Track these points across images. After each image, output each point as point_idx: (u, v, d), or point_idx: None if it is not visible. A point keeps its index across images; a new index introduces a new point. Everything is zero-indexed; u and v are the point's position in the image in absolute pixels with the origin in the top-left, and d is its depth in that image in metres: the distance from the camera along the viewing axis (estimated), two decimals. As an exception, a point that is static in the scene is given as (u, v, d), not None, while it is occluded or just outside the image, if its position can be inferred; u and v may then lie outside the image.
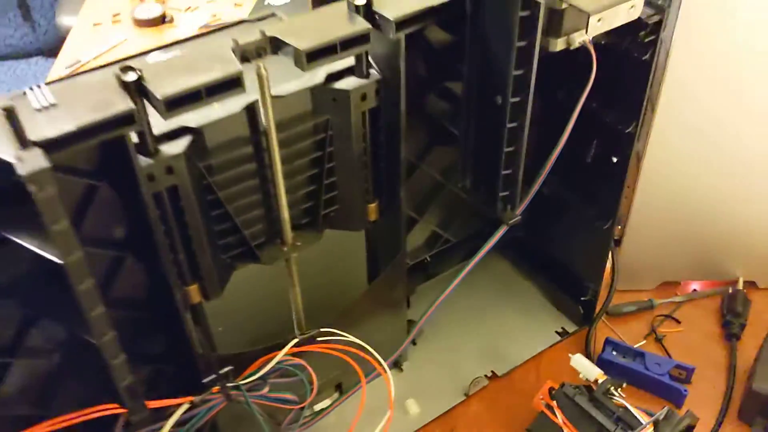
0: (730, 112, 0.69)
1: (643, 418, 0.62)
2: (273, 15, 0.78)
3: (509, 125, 0.55)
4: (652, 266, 0.83)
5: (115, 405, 0.49)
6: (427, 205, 0.75)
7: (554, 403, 0.66)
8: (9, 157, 0.36)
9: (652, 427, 0.61)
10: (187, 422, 0.59)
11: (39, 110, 0.42)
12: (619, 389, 0.66)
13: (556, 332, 0.80)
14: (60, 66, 1.24)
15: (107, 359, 0.46)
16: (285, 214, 0.58)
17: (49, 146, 0.40)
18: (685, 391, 0.72)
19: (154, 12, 1.32)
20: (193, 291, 0.58)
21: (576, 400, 0.64)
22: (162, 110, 0.45)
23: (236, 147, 0.54)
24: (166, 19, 1.33)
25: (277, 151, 0.54)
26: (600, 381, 0.67)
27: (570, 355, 0.72)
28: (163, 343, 0.59)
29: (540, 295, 0.83)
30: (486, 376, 0.76)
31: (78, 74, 0.65)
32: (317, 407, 0.71)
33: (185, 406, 0.58)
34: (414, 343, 0.79)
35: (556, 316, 0.81)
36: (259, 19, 0.76)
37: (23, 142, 0.38)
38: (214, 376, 0.59)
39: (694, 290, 0.84)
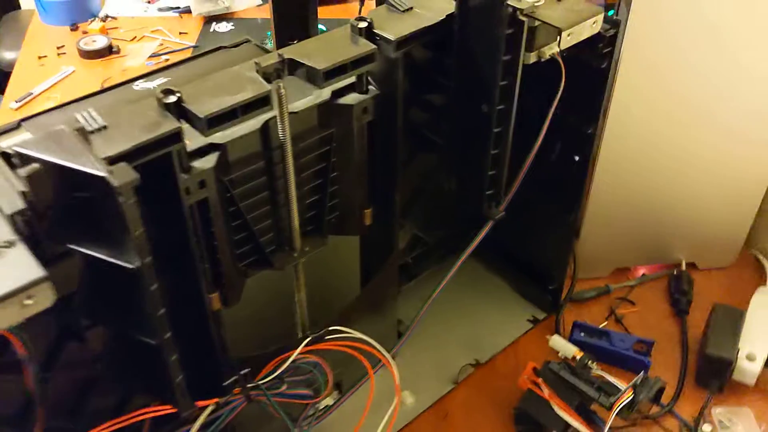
0: (671, 114, 0.79)
1: (622, 385, 0.70)
2: (248, 41, 0.83)
3: (495, 130, 0.62)
4: (606, 255, 0.92)
5: (168, 406, 0.53)
6: (409, 210, 0.81)
7: (539, 380, 0.73)
8: (101, 172, 0.40)
9: (632, 391, 0.68)
10: (210, 425, 0.63)
11: (92, 132, 0.46)
12: (594, 363, 0.74)
13: (528, 320, 0.87)
14: (9, 100, 1.24)
15: (166, 357, 0.49)
16: (295, 222, 0.63)
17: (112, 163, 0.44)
18: (649, 362, 0.80)
19: (100, 44, 1.34)
20: (215, 299, 0.61)
21: (561, 374, 0.71)
22: (203, 128, 0.49)
23: (253, 161, 0.59)
24: (113, 50, 1.35)
25: (291, 163, 0.59)
26: (578, 357, 0.74)
27: (548, 337, 0.80)
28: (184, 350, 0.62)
29: (510, 289, 0.91)
30: (471, 364, 0.82)
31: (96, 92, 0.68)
32: (321, 405, 0.75)
33: (211, 408, 0.62)
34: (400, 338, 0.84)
35: (526, 306, 0.89)
36: (234, 45, 0.81)
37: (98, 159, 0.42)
38: (235, 377, 0.63)
39: (644, 274, 0.93)
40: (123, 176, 0.41)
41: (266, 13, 1.46)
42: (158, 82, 0.76)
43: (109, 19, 1.44)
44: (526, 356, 0.83)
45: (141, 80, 0.78)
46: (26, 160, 0.42)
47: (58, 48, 1.36)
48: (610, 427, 0.70)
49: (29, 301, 0.38)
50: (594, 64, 0.68)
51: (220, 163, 0.56)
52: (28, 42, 1.39)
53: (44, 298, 0.38)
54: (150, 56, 1.34)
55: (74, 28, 1.41)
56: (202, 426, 0.62)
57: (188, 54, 1.33)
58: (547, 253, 0.85)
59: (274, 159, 0.60)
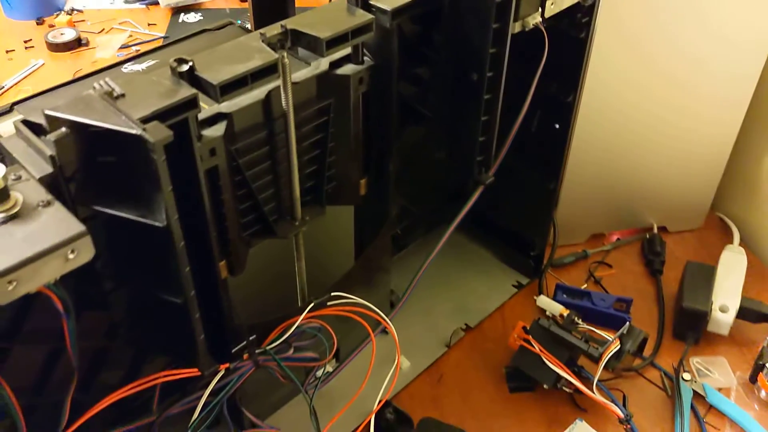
0: (642, 84, 0.83)
1: (609, 336, 0.74)
2: (231, 23, 0.85)
3: (486, 97, 0.65)
4: (582, 222, 0.96)
5: (187, 369, 0.54)
6: (397, 182, 0.83)
7: (530, 337, 0.77)
8: (137, 130, 0.42)
9: (619, 342, 0.72)
10: (219, 392, 0.65)
11: (115, 99, 0.48)
12: (580, 320, 0.78)
13: (513, 285, 0.91)
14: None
15: (190, 315, 0.51)
16: (296, 191, 0.66)
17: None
18: (629, 318, 0.84)
19: (69, 36, 1.33)
20: (222, 267, 0.63)
21: (551, 330, 0.75)
22: (216, 96, 0.51)
23: (256, 131, 0.61)
24: (82, 42, 1.34)
25: (294, 132, 0.61)
26: (565, 314, 0.78)
27: (535, 297, 0.84)
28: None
29: (493, 257, 0.95)
30: (461, 328, 0.86)
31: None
32: (321, 372, 0.77)
33: (221, 374, 0.64)
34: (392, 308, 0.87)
35: (509, 273, 0.93)
36: (218, 28, 0.83)
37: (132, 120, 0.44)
38: (243, 344, 0.65)
39: (618, 239, 0.98)
40: (158, 133, 0.42)
41: (234, 2, 1.47)
42: (147, 64, 0.77)
43: (75, 12, 1.44)
44: (512, 319, 0.87)
45: (130, 63, 0.79)
46: (56, 124, 0.43)
47: (25, 42, 1.35)
48: (598, 380, 0.74)
49: (72, 255, 0.40)
50: (573, 34, 0.71)
51: (227, 133, 0.58)
52: (-5, 37, 1.38)
53: (85, 252, 0.40)
54: (120, 47, 1.34)
55: (40, 21, 1.40)
56: (212, 393, 0.64)
57: (159, 44, 1.33)
58: (528, 221, 0.89)
59: (276, 129, 0.62)
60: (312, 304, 0.68)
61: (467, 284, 0.91)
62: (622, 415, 0.72)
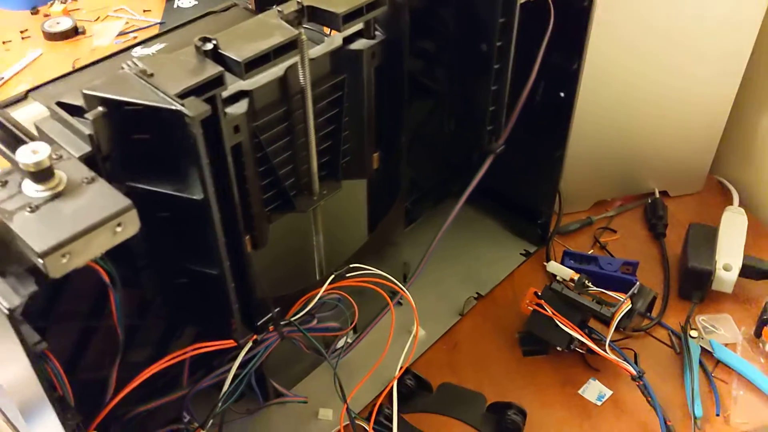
0: (642, 50, 0.85)
1: (620, 297, 0.76)
2: (235, 5, 0.86)
3: (495, 66, 0.67)
4: (586, 190, 0.98)
5: (221, 341, 0.56)
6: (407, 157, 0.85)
7: (542, 301, 0.79)
8: (176, 106, 0.43)
9: (630, 301, 0.75)
10: (246, 364, 0.67)
11: (145, 77, 0.49)
12: (590, 283, 0.80)
13: (521, 254, 0.93)
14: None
15: (227, 284, 0.53)
16: (314, 166, 0.67)
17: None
18: (636, 280, 0.87)
19: (65, 25, 1.33)
20: (246, 242, 0.65)
21: (563, 293, 0.77)
22: (241, 72, 0.52)
23: (275, 108, 0.62)
24: (79, 31, 1.34)
25: (311, 108, 0.63)
26: (575, 278, 0.80)
27: (545, 263, 0.86)
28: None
29: (500, 227, 0.97)
30: (473, 297, 0.88)
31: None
32: (341, 343, 0.79)
33: (249, 346, 0.66)
34: (405, 280, 0.89)
35: (517, 241, 0.95)
36: (224, 10, 0.84)
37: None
38: (268, 316, 0.67)
39: (621, 205, 1.00)
40: (196, 108, 0.44)
41: (228, -14, 1.47)
42: (156, 48, 0.78)
43: (70, 0, 1.43)
44: (522, 286, 0.89)
45: (139, 47, 0.80)
46: (94, 102, 0.44)
47: (21, 32, 1.35)
48: (610, 340, 0.76)
49: (119, 229, 0.41)
50: (576, 3, 0.73)
51: (248, 111, 0.59)
52: (-10, 28, 1.38)
53: (131, 225, 0.41)
54: (118, 35, 1.34)
55: (35, 11, 1.40)
56: (239, 366, 0.66)
57: (156, 30, 1.33)
58: (535, 189, 0.91)
59: (293, 106, 0.63)
60: (333, 276, 0.70)
61: (476, 254, 0.93)
62: (634, 372, 0.74)
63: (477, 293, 0.88)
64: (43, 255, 0.38)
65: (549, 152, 0.85)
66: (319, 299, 0.69)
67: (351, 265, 0.72)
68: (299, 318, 0.68)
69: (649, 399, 0.74)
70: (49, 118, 0.49)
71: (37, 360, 0.40)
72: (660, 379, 0.79)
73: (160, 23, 1.37)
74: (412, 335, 0.83)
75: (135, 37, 1.33)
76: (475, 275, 0.91)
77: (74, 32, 1.34)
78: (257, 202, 0.63)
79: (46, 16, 1.38)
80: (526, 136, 0.83)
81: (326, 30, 0.66)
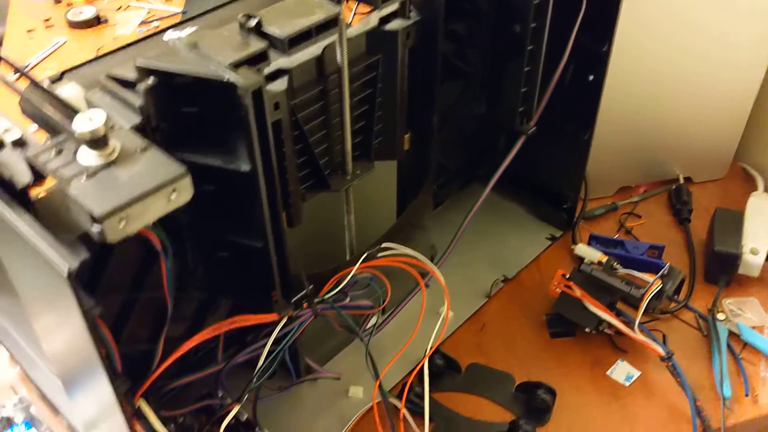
0: (669, 35, 0.85)
1: (649, 278, 0.77)
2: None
3: (529, 48, 0.68)
4: (611, 175, 0.98)
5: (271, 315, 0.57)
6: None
7: (570, 283, 0.79)
8: (230, 77, 0.44)
9: (660, 282, 0.75)
10: (280, 341, 0.68)
11: (190, 51, 0.50)
12: (618, 265, 0.81)
13: (546, 238, 0.94)
14: (4, 74, 1.24)
15: (270, 256, 0.54)
16: (349, 146, 0.68)
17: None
18: (663, 264, 0.87)
19: (88, 14, 1.35)
20: (283, 219, 0.66)
21: (593, 274, 0.77)
22: (284, 48, 0.53)
23: (312, 87, 0.63)
24: (102, 20, 1.35)
25: (348, 87, 0.63)
26: (603, 260, 0.81)
27: (572, 246, 0.86)
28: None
29: (525, 212, 0.97)
30: (500, 280, 0.88)
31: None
32: (371, 323, 0.80)
33: (283, 322, 0.66)
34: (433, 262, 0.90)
35: (543, 226, 0.95)
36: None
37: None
38: (302, 293, 0.67)
39: (645, 190, 1.00)
40: (249, 79, 0.45)
41: (249, -25, 1.47)
42: (188, 31, 0.78)
43: (92, -11, 1.45)
44: (548, 270, 0.89)
45: (170, 30, 0.81)
46: (146, 74, 0.45)
47: (45, 21, 1.36)
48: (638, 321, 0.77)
49: (174, 195, 0.42)
50: (607, -16, 0.73)
51: (287, 88, 0.60)
52: (13, 17, 1.39)
53: (186, 193, 0.42)
54: (140, 24, 1.35)
55: (58, 0, 1.41)
56: (276, 340, 0.67)
57: (178, 20, 1.34)
58: (561, 174, 0.91)
59: (329, 85, 0.64)
60: (365, 255, 0.71)
61: (502, 238, 0.94)
62: (663, 353, 0.75)
63: (503, 276, 0.89)
64: (102, 219, 0.39)
65: (576, 136, 0.85)
66: (351, 277, 0.70)
67: (382, 245, 0.72)
68: (332, 296, 0.69)
69: (678, 379, 0.74)
70: (98, 91, 0.49)
71: (93, 323, 0.41)
72: (688, 361, 0.79)
73: (182, 12, 1.37)
74: (442, 315, 0.83)
75: (157, 26, 1.34)
76: (502, 259, 0.91)
77: (97, 21, 1.35)
78: (294, 180, 0.63)
79: (69, 5, 1.39)
80: (553, 119, 0.83)
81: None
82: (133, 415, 0.52)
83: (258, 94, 0.47)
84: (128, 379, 0.49)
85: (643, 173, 1.00)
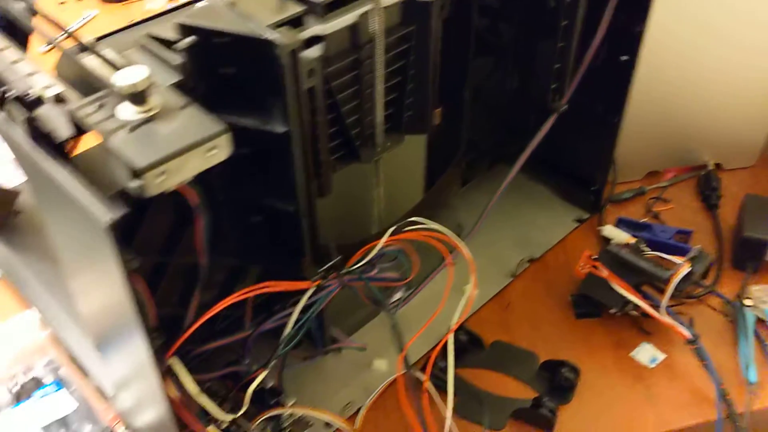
0: (703, 20, 0.84)
1: (678, 260, 0.76)
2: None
3: (563, 23, 0.67)
4: (640, 159, 0.98)
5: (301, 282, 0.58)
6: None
7: (598, 264, 0.79)
8: (270, 36, 0.44)
9: (689, 264, 0.75)
10: (308, 309, 0.68)
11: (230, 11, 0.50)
12: (646, 247, 0.80)
13: (573, 220, 0.93)
14: (36, 45, 1.25)
15: (302, 220, 0.54)
16: (380, 117, 0.68)
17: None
18: (690, 248, 0.86)
19: (119, -13, 1.36)
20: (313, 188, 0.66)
21: (621, 254, 0.77)
22: (321, 13, 0.53)
23: (345, 56, 0.63)
24: (132, -6, 1.36)
25: (382, 57, 0.63)
26: (631, 242, 0.80)
27: (600, 227, 0.86)
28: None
29: (552, 194, 0.97)
30: (526, 260, 0.88)
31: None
32: (395, 297, 0.80)
33: (313, 289, 0.67)
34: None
35: (569, 208, 0.95)
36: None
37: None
38: (331, 263, 0.68)
39: (674, 176, 0.99)
40: (288, 38, 0.45)
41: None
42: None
43: (123, -36, 1.45)
44: (574, 252, 0.89)
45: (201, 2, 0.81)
46: (186, 32, 0.45)
47: (76, -7, 1.37)
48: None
49: (212, 152, 0.42)
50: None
51: (321, 56, 0.60)
52: (45, -11, 1.40)
53: (224, 149, 0.43)
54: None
55: (89, -27, 1.42)
56: (303, 309, 0.67)
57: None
58: (590, 156, 0.91)
59: (363, 55, 0.63)
60: (393, 228, 0.71)
61: (528, 219, 0.93)
62: (689, 335, 0.74)
63: (529, 256, 0.89)
64: (142, 171, 0.39)
65: (606, 118, 0.85)
66: (379, 250, 0.70)
67: (410, 219, 0.72)
68: (360, 267, 0.69)
69: (704, 363, 0.74)
70: (138, 51, 0.50)
71: (130, 276, 0.42)
72: (713, 345, 0.78)
73: (212, -12, 1.38)
74: (467, 292, 0.83)
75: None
76: (527, 239, 0.91)
77: (127, -5, 1.36)
78: (325, 149, 0.64)
79: (100, -21, 1.40)
80: (583, 100, 0.83)
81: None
82: (164, 373, 0.52)
83: (295, 55, 0.47)
84: (162, 335, 0.50)
85: (672, 158, 0.99)
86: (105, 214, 0.39)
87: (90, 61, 0.51)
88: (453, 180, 0.81)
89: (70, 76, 0.52)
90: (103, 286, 0.47)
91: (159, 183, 0.40)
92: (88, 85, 0.50)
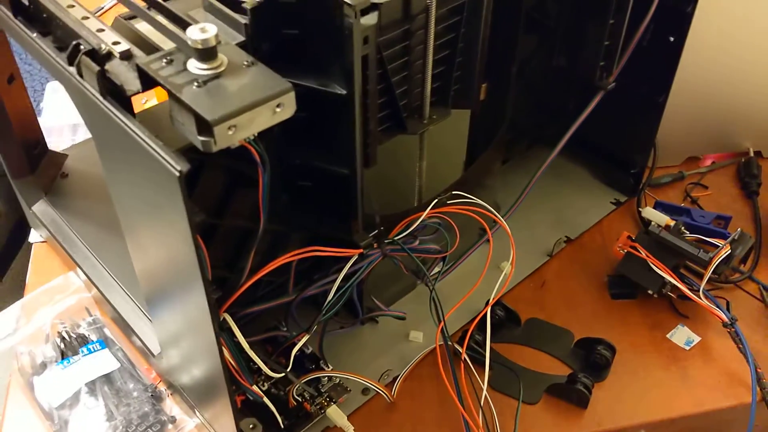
0: (756, 3, 0.83)
1: (718, 243, 0.76)
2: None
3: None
4: (680, 144, 0.97)
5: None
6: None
7: (636, 244, 0.79)
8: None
9: (729, 247, 0.75)
10: (350, 277, 0.69)
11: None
12: (686, 230, 0.80)
13: (611, 202, 0.93)
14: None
15: (357, 182, 0.55)
16: (428, 89, 0.68)
17: None
18: (729, 234, 0.86)
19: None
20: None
21: (661, 235, 0.77)
22: (378, -21, 0.54)
23: (397, 26, 0.63)
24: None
25: (433, 29, 0.64)
26: (671, 224, 0.80)
27: (639, 209, 0.86)
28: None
29: (591, 176, 0.97)
30: (562, 240, 0.88)
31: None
32: (434, 271, 0.81)
33: (355, 257, 0.68)
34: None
35: (607, 191, 0.95)
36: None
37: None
38: (375, 232, 0.69)
39: (713, 162, 0.99)
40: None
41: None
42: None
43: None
44: (611, 234, 0.90)
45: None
46: (253, -8, 0.46)
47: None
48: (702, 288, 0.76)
49: (278, 109, 0.43)
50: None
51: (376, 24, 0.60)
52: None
53: (289, 107, 0.43)
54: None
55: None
56: (344, 278, 0.68)
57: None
58: (631, 137, 0.91)
59: (414, 26, 0.64)
60: (435, 200, 0.72)
61: (566, 200, 0.94)
62: (726, 318, 0.74)
63: (566, 236, 0.89)
64: (214, 123, 0.40)
65: (650, 99, 0.85)
66: (421, 221, 0.71)
67: (453, 192, 0.73)
68: (402, 238, 0.70)
69: (740, 346, 0.74)
70: (202, 11, 0.51)
71: (196, 226, 0.43)
72: (749, 330, 0.78)
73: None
74: (506, 268, 0.84)
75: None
76: (564, 220, 0.91)
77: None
78: (374, 119, 0.64)
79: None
80: (627, 81, 0.83)
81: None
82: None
83: (364, 13, 0.47)
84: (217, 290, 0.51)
85: (712, 144, 0.99)
86: (178, 163, 0.40)
87: (144, 26, 0.52)
88: (494, 157, 0.82)
89: (129, 36, 0.53)
90: (166, 238, 0.48)
91: (228, 136, 0.41)
92: (146, 45, 0.51)
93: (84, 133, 1.02)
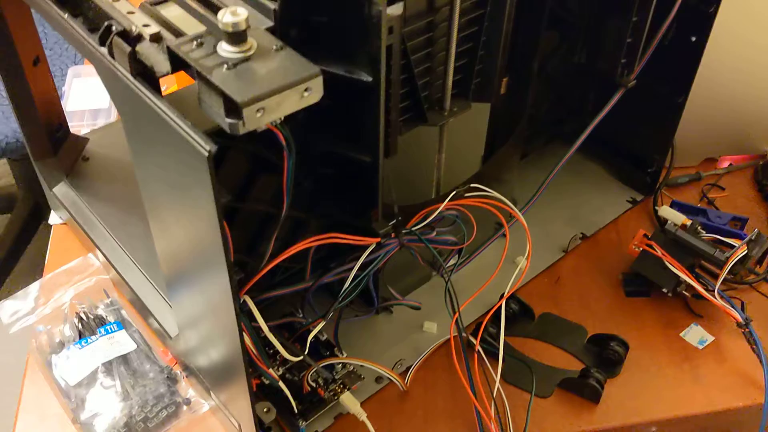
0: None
1: (735, 242, 0.76)
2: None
3: (639, -4, 0.67)
4: (698, 145, 0.97)
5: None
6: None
7: (652, 242, 0.79)
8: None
9: (746, 247, 0.75)
10: (368, 266, 0.70)
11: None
12: (703, 230, 0.80)
13: (627, 201, 0.94)
14: None
15: (379, 170, 0.55)
16: (450, 81, 0.69)
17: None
18: (745, 235, 0.86)
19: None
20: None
21: (678, 234, 0.77)
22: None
23: (421, 18, 0.64)
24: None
25: (457, 21, 0.64)
26: (687, 224, 0.80)
27: (656, 208, 0.86)
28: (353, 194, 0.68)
29: (608, 174, 0.97)
30: (578, 236, 0.89)
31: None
32: (449, 263, 0.81)
33: (372, 246, 0.68)
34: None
35: (624, 189, 0.95)
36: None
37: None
38: (392, 222, 0.69)
39: (731, 164, 0.99)
40: (387, -13, 0.46)
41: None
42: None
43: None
44: (626, 232, 0.90)
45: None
46: (284, -22, 0.47)
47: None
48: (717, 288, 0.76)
49: (306, 93, 0.44)
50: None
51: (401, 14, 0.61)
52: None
53: (317, 92, 0.44)
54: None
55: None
56: (361, 266, 0.69)
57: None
58: (649, 136, 0.91)
59: (438, 18, 0.65)
60: (453, 192, 0.72)
61: (582, 197, 0.94)
62: (741, 318, 0.75)
63: (581, 233, 0.89)
64: (244, 105, 0.41)
65: (670, 99, 0.85)
66: (438, 213, 0.71)
67: (471, 185, 0.73)
68: (419, 228, 0.70)
69: (754, 346, 0.74)
70: (231, -4, 0.51)
71: (222, 208, 0.43)
72: (764, 331, 0.78)
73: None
74: (521, 262, 0.84)
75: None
76: (580, 217, 0.91)
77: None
78: (396, 109, 0.65)
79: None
80: (647, 80, 0.83)
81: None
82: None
83: (390, 3, 0.48)
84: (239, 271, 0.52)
85: (730, 146, 0.99)
86: (207, 143, 0.41)
87: (168, 11, 0.53)
88: (512, 152, 0.82)
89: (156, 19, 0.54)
90: (191, 219, 0.49)
91: (257, 119, 0.42)
92: (172, 30, 0.52)
93: (104, 119, 1.03)
